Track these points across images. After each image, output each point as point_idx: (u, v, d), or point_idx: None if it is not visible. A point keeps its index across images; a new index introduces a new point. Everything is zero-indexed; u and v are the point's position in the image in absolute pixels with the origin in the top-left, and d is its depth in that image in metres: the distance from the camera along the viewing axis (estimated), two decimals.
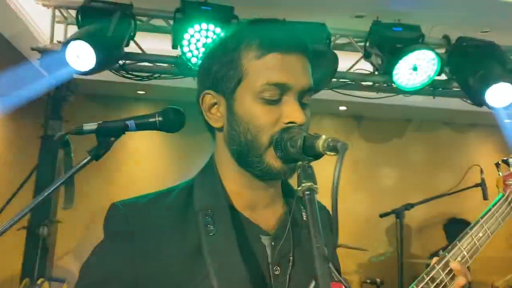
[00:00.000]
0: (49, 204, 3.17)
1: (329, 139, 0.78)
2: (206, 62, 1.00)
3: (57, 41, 3.23)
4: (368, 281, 4.30)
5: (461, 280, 1.08)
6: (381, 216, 3.51)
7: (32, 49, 3.15)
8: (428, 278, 1.10)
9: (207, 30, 2.81)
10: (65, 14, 3.32)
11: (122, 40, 2.92)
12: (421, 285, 1.08)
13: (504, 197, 1.33)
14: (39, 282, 2.89)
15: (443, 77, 3.56)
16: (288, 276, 0.92)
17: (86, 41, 2.66)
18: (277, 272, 0.93)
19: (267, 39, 0.93)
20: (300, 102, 0.94)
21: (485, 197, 3.71)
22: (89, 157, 1.13)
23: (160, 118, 1.11)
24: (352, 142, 5.42)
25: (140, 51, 3.25)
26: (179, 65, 3.17)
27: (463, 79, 3.49)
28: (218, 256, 0.88)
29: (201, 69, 1.02)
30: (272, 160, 0.92)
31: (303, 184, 0.78)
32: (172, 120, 1.12)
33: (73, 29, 3.21)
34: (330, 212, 0.96)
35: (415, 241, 5.14)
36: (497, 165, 1.41)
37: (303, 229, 0.98)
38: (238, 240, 0.90)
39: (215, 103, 0.98)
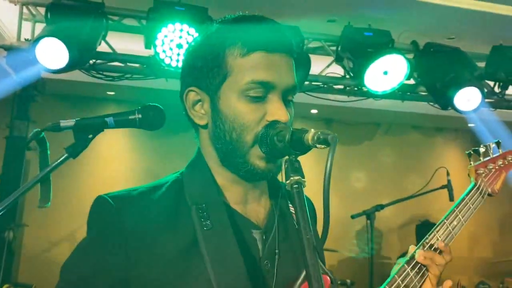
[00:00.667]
0: (15, 207, 3.05)
1: (319, 132, 0.79)
2: (190, 58, 0.99)
3: (25, 38, 3.14)
4: (339, 282, 4.35)
5: (447, 256, 1.15)
6: (352, 217, 3.56)
7: None
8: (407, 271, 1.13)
9: (181, 30, 2.79)
10: (33, 11, 3.23)
11: (96, 39, 2.86)
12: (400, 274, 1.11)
13: (476, 186, 1.38)
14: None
15: (412, 81, 3.66)
16: (275, 269, 0.92)
17: (59, 39, 2.59)
18: (267, 267, 0.93)
19: (253, 38, 0.93)
20: (285, 101, 0.94)
21: (451, 199, 3.84)
22: (66, 155, 1.10)
23: (139, 115, 1.10)
24: None
25: (110, 51, 3.20)
26: (151, 66, 3.13)
27: (431, 84, 3.61)
28: (215, 251, 0.87)
29: (185, 66, 1.01)
30: (256, 160, 0.92)
31: (291, 178, 0.79)
32: (151, 117, 1.10)
33: (40, 27, 3.13)
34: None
35: (385, 242, 5.25)
36: (469, 155, 1.46)
37: (291, 222, 0.99)
38: (230, 233, 0.90)
39: (199, 100, 0.98)
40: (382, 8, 3.42)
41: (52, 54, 2.64)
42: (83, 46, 2.76)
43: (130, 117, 1.10)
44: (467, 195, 1.35)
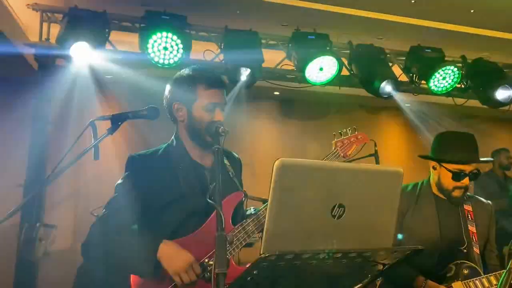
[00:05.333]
0: (43, 166, 4.05)
1: (217, 127, 1.82)
2: (175, 87, 2.01)
3: (45, 38, 4.06)
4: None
5: None
6: None
7: (25, 45, 3.98)
8: None
9: (166, 37, 3.76)
10: (50, 16, 4.14)
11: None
12: None
13: (333, 151, 2.41)
14: (37, 225, 3.81)
15: (347, 72, 4.68)
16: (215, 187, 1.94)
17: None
18: (211, 186, 1.97)
19: (209, 81, 1.95)
20: (221, 110, 1.97)
21: (377, 164, 4.93)
22: (106, 133, 2.11)
23: (145, 112, 2.11)
24: (285, 120, 6.56)
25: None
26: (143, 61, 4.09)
27: (362, 75, 4.63)
28: (184, 177, 1.93)
29: (172, 90, 2.02)
30: (208, 138, 1.95)
31: (215, 146, 1.80)
32: (152, 112, 2.11)
33: (54, 26, 4.06)
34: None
35: None
36: (340, 133, 2.48)
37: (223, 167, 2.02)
38: (194, 171, 1.95)
39: (180, 108, 2.00)
40: (322, 18, 4.39)
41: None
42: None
43: (141, 113, 2.10)
44: (327, 156, 2.39)
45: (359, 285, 1.63)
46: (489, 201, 2.69)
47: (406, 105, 6.00)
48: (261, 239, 1.33)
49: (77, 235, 5.07)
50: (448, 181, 2.49)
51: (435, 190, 2.59)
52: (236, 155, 2.23)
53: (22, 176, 4.01)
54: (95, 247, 1.89)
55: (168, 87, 2.07)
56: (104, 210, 1.96)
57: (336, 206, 1.41)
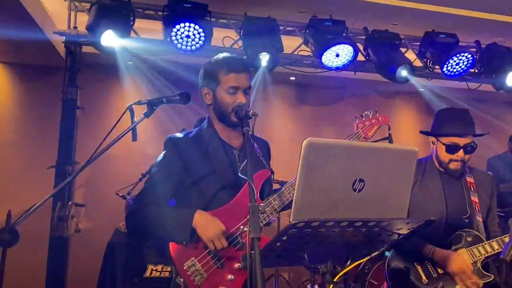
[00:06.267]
0: (71, 149, 4.28)
1: (250, 111, 1.99)
2: (203, 74, 2.19)
3: (73, 26, 4.25)
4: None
5: None
6: None
7: (55, 32, 4.18)
8: None
9: (189, 26, 3.93)
10: (77, 5, 4.32)
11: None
12: None
13: (355, 132, 2.55)
14: (69, 203, 4.06)
15: (362, 58, 4.81)
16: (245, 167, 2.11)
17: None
18: (240, 165, 2.15)
19: (230, 66, 2.12)
20: (245, 93, 2.14)
21: None
22: (143, 117, 2.30)
23: (178, 97, 2.30)
24: (301, 105, 6.71)
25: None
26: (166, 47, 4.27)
27: (377, 60, 4.75)
28: (215, 156, 2.11)
29: (201, 77, 2.20)
30: (233, 118, 2.13)
31: (245, 127, 1.98)
32: (184, 97, 2.30)
33: (80, 15, 4.25)
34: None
35: None
36: (360, 116, 2.64)
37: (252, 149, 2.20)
38: (224, 150, 2.13)
39: (207, 93, 2.19)
40: (340, 3, 4.50)
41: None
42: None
43: (174, 98, 2.29)
44: (349, 137, 2.54)
45: (375, 253, 1.81)
46: (489, 173, 2.87)
47: (420, 90, 6.12)
48: (291, 209, 1.51)
49: (102, 214, 5.33)
50: (443, 154, 2.67)
51: (437, 165, 2.76)
52: (265, 140, 2.42)
53: (54, 158, 4.25)
54: (137, 219, 2.10)
55: (199, 74, 2.25)
56: (145, 184, 2.16)
57: (357, 180, 1.58)
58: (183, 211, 2.04)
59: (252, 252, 1.57)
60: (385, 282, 2.78)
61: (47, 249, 4.23)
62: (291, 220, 1.52)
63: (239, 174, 1.89)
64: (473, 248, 2.56)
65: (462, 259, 2.50)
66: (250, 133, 1.97)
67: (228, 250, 1.99)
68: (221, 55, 2.20)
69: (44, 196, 1.98)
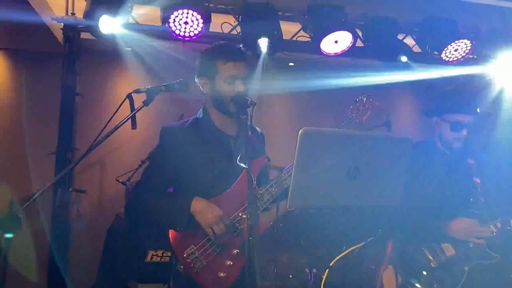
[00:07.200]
0: (71, 136, 4.31)
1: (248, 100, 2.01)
2: (199, 64, 2.21)
3: (71, 13, 4.24)
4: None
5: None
6: None
7: (53, 19, 4.17)
8: None
9: (187, 13, 3.92)
10: None
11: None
12: None
13: (350, 117, 2.58)
14: (70, 190, 4.11)
15: (361, 44, 4.80)
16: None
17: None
18: (236, 155, 2.18)
19: (228, 55, 2.13)
20: (243, 82, 2.16)
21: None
22: (143, 105, 2.32)
23: (178, 85, 2.31)
24: (299, 90, 6.70)
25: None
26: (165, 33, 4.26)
27: (376, 46, 4.74)
28: (211, 143, 2.14)
29: (198, 67, 2.22)
30: (232, 108, 2.15)
31: (243, 116, 2.00)
32: (183, 84, 2.31)
33: (79, 2, 4.23)
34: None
35: None
36: (354, 101, 2.66)
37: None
38: (219, 139, 2.15)
39: (205, 83, 2.21)
40: None
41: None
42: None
43: (174, 85, 2.30)
44: (345, 122, 2.56)
45: (370, 238, 1.86)
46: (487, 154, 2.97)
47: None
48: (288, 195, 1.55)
49: (102, 200, 5.38)
50: (447, 133, 2.75)
51: (440, 145, 2.83)
52: (259, 130, 2.44)
53: (54, 145, 4.27)
54: (136, 208, 2.14)
55: (196, 65, 2.27)
56: (142, 174, 2.20)
57: (352, 168, 1.62)
58: (180, 198, 2.08)
59: (250, 238, 1.61)
60: (384, 264, 2.83)
61: (48, 235, 4.29)
62: (287, 207, 1.56)
63: (238, 162, 1.93)
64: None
65: (464, 219, 2.59)
66: (248, 122, 1.99)
67: (226, 237, 2.03)
68: (218, 44, 2.21)
69: (45, 182, 2.04)
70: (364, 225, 1.78)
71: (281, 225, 1.59)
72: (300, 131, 1.54)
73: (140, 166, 4.76)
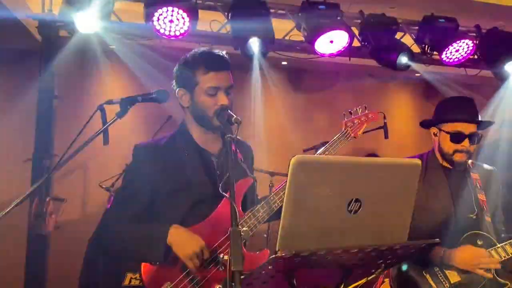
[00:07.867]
0: (51, 140, 4.03)
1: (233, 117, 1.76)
2: (177, 74, 1.95)
3: (47, 9, 3.95)
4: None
5: None
6: (304, 150, 4.60)
7: (28, 16, 3.88)
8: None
9: (172, 10, 3.64)
10: None
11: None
12: None
13: (343, 132, 2.33)
14: (47, 199, 3.84)
15: (358, 43, 4.55)
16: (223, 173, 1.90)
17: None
18: (219, 172, 1.94)
19: (208, 65, 1.88)
20: (227, 93, 1.91)
21: (386, 137, 4.87)
22: (116, 117, 2.06)
23: (155, 94, 2.06)
24: (293, 90, 6.47)
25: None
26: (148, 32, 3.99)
27: (373, 46, 4.50)
28: (191, 164, 1.89)
29: (176, 77, 1.97)
30: (216, 122, 1.90)
31: (227, 135, 1.75)
32: (162, 95, 2.06)
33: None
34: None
35: None
36: (348, 113, 2.40)
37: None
38: (200, 158, 1.91)
39: (184, 94, 1.95)
40: None
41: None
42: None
43: (151, 96, 2.05)
44: (337, 137, 2.32)
45: (372, 276, 1.63)
46: (494, 167, 2.67)
47: (417, 75, 5.90)
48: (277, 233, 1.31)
49: (85, 207, 5.11)
50: (447, 145, 2.49)
51: (440, 159, 2.57)
52: (247, 144, 2.19)
53: (30, 150, 4.00)
54: (106, 242, 1.89)
55: (173, 73, 2.01)
56: (113, 200, 1.95)
57: (353, 201, 1.38)
58: (156, 227, 1.83)
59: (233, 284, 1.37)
60: (380, 278, 2.59)
61: (25, 246, 4.02)
62: (277, 249, 1.32)
63: (220, 191, 1.67)
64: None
65: (470, 248, 2.34)
66: (232, 140, 1.75)
67: (208, 270, 1.79)
68: (198, 51, 1.96)
69: (21, 190, 1.94)
70: (366, 263, 1.54)
71: (270, 267, 1.35)
72: (292, 159, 1.29)
73: (124, 170, 4.50)
